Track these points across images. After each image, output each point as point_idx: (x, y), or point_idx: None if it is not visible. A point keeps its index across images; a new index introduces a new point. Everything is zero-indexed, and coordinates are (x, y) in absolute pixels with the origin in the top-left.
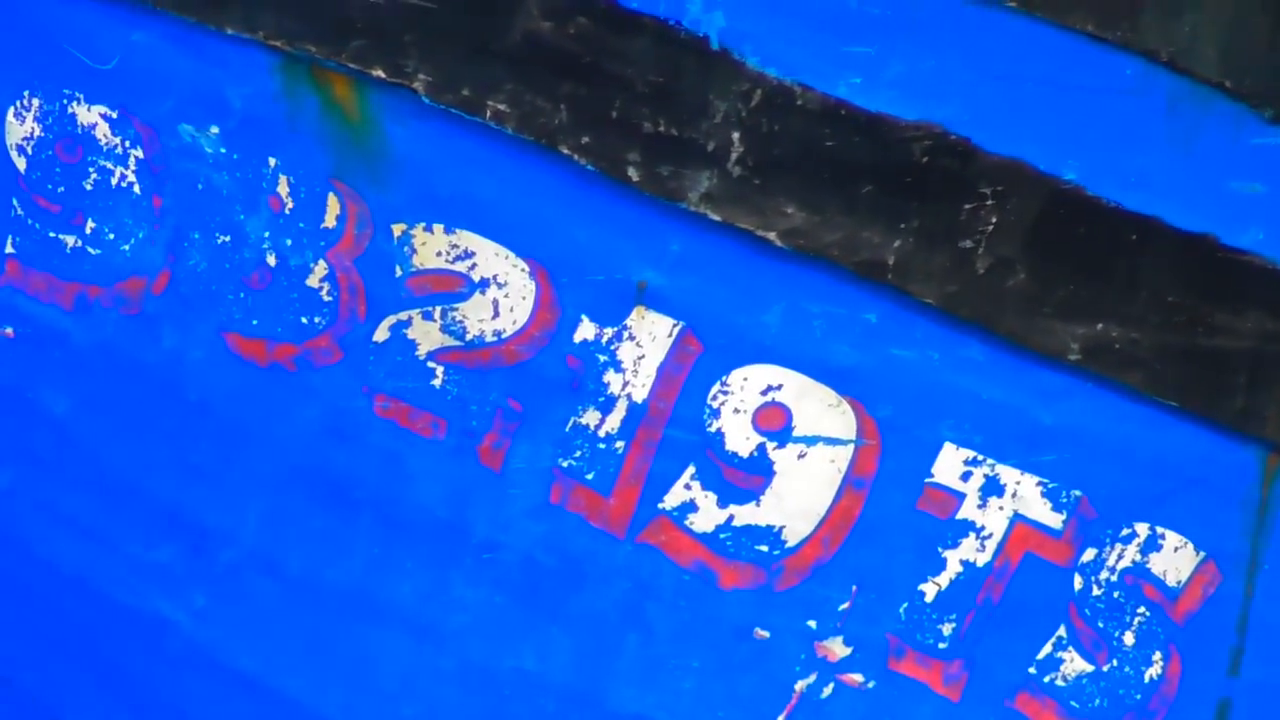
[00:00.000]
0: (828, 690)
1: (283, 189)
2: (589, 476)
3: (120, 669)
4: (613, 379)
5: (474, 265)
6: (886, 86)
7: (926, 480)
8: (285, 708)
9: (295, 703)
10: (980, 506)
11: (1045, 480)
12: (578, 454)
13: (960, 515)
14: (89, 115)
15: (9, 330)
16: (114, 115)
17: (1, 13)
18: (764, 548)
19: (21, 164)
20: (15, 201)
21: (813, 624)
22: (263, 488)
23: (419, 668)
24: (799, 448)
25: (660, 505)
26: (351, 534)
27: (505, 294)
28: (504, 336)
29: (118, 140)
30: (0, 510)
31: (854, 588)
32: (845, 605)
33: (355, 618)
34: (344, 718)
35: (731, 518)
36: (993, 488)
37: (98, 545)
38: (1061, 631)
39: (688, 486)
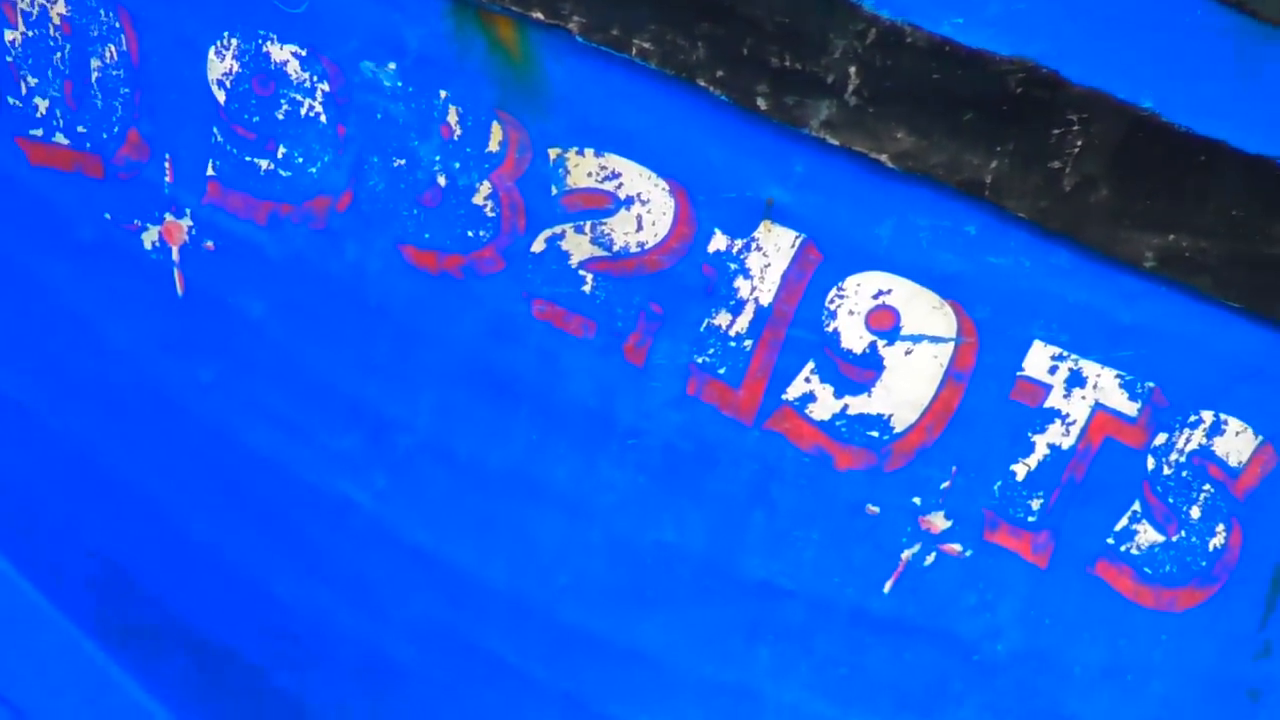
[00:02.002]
0: (930, 559)
1: (452, 118)
2: (721, 371)
3: (309, 542)
4: (742, 285)
5: (620, 184)
6: (985, 25)
7: (1018, 373)
8: (454, 577)
9: (463, 572)
10: (1065, 396)
11: (1122, 373)
12: (711, 351)
13: (1048, 404)
14: (281, 53)
15: (209, 243)
16: (303, 54)
17: None
18: (875, 433)
19: (221, 97)
20: (216, 130)
21: (917, 500)
22: (434, 382)
23: (571, 541)
24: (906, 345)
25: (783, 396)
26: (512, 423)
27: (648, 210)
28: (646, 247)
29: (306, 75)
30: (205, 401)
31: (954, 468)
32: (946, 484)
33: (516, 497)
34: (506, 586)
35: (846, 407)
36: (1076, 380)
37: (290, 433)
38: (1136, 506)
39: (808, 380)
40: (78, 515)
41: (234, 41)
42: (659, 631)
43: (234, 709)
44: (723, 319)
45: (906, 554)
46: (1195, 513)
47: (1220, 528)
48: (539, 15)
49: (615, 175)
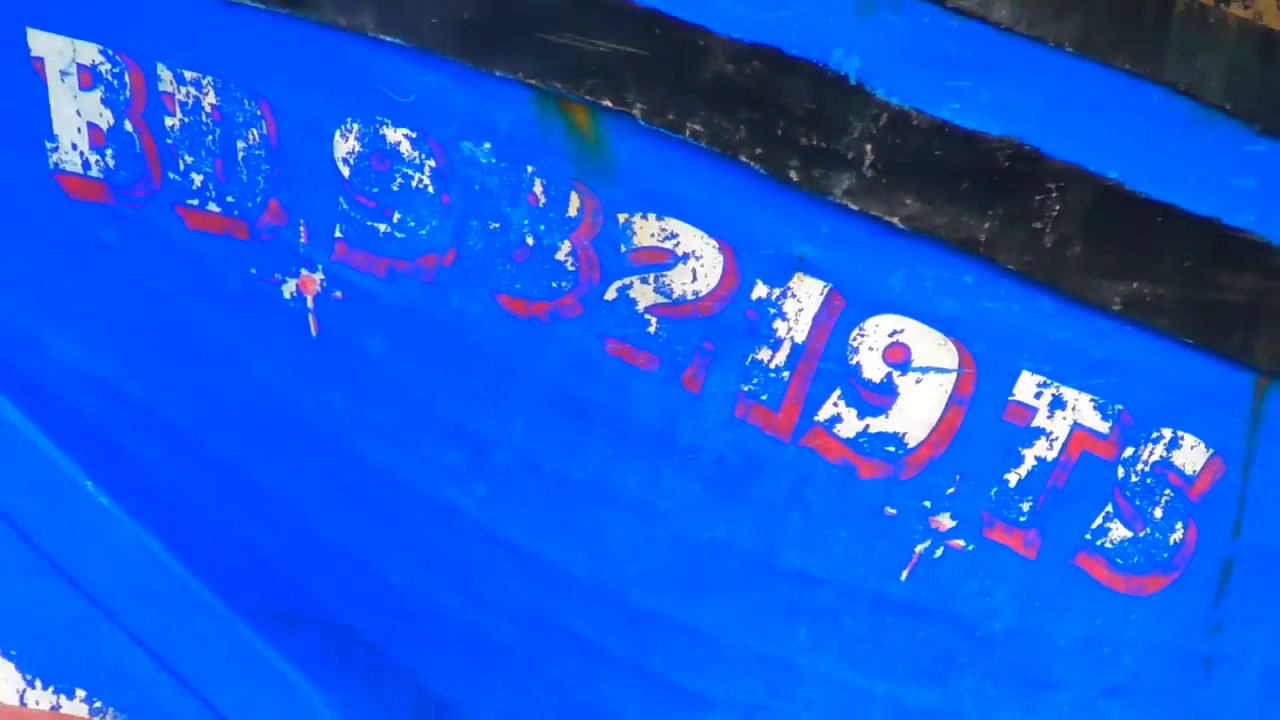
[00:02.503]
0: (939, 552)
1: (537, 189)
2: (763, 397)
3: (422, 539)
4: (779, 326)
5: (678, 243)
6: (978, 110)
7: (1009, 398)
8: (542, 567)
9: (550, 564)
10: (1049, 417)
11: (1096, 397)
12: (755, 381)
13: (1034, 424)
14: (395, 135)
15: (338, 293)
16: (413, 135)
17: (331, 62)
18: (891, 448)
19: (346, 171)
20: (342, 199)
21: (927, 504)
22: (524, 408)
23: (640, 537)
24: (916, 375)
25: (815, 418)
26: (589, 440)
27: (700, 264)
28: (700, 295)
29: (416, 154)
30: (336, 423)
31: (957, 477)
32: (951, 490)
33: (593, 501)
34: (586, 575)
35: (867, 426)
36: (1058, 403)
37: (405, 449)
38: (1109, 508)
39: (835, 404)
40: (234, 519)
41: (355, 126)
42: (713, 613)
43: (358, 678)
44: (764, 354)
45: (919, 548)
46: (1158, 513)
47: (1179, 525)
48: (608, 103)
49: (673, 236)
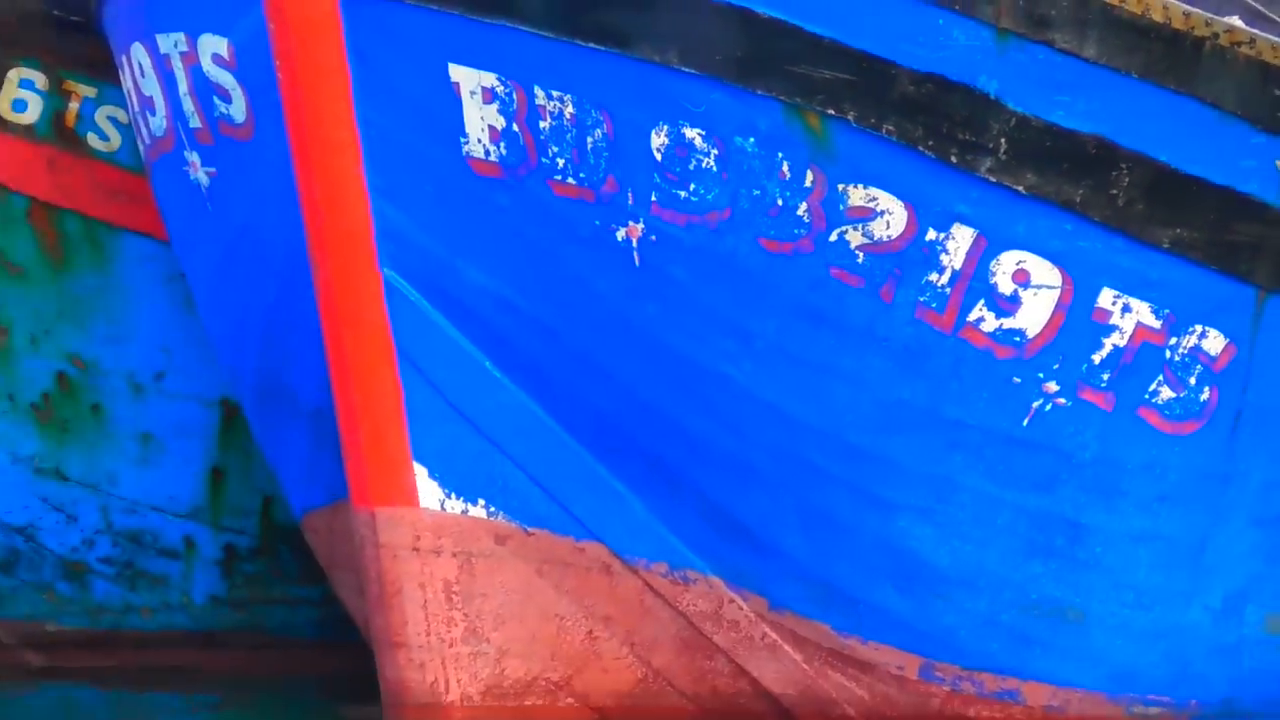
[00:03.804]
0: (1049, 406)
1: (785, 168)
2: (933, 305)
3: (708, 400)
4: (944, 258)
5: (877, 203)
6: (1074, 116)
7: (1094, 305)
8: (788, 418)
9: (793, 416)
10: (1120, 317)
11: (1152, 304)
12: (927, 294)
13: (1110, 322)
14: (691, 133)
15: (653, 237)
16: (703, 133)
17: (648, 84)
18: (1017, 338)
19: (659, 157)
20: (655, 175)
21: (1040, 375)
22: (776, 312)
23: (852, 398)
24: (1034, 290)
25: (967, 318)
26: (819, 334)
27: (891, 217)
28: (891, 238)
29: (705, 145)
30: (650, 322)
31: (1061, 357)
32: (1056, 365)
33: (821, 374)
34: (817, 422)
35: (1001, 324)
36: (1126, 309)
37: (695, 339)
38: (1160, 377)
39: (980, 309)
40: (583, 387)
41: (665, 126)
42: (899, 447)
43: (666, 492)
44: (933, 276)
45: (1035, 404)
46: (1192, 380)
47: (1206, 388)
48: (831, 111)
49: (874, 199)
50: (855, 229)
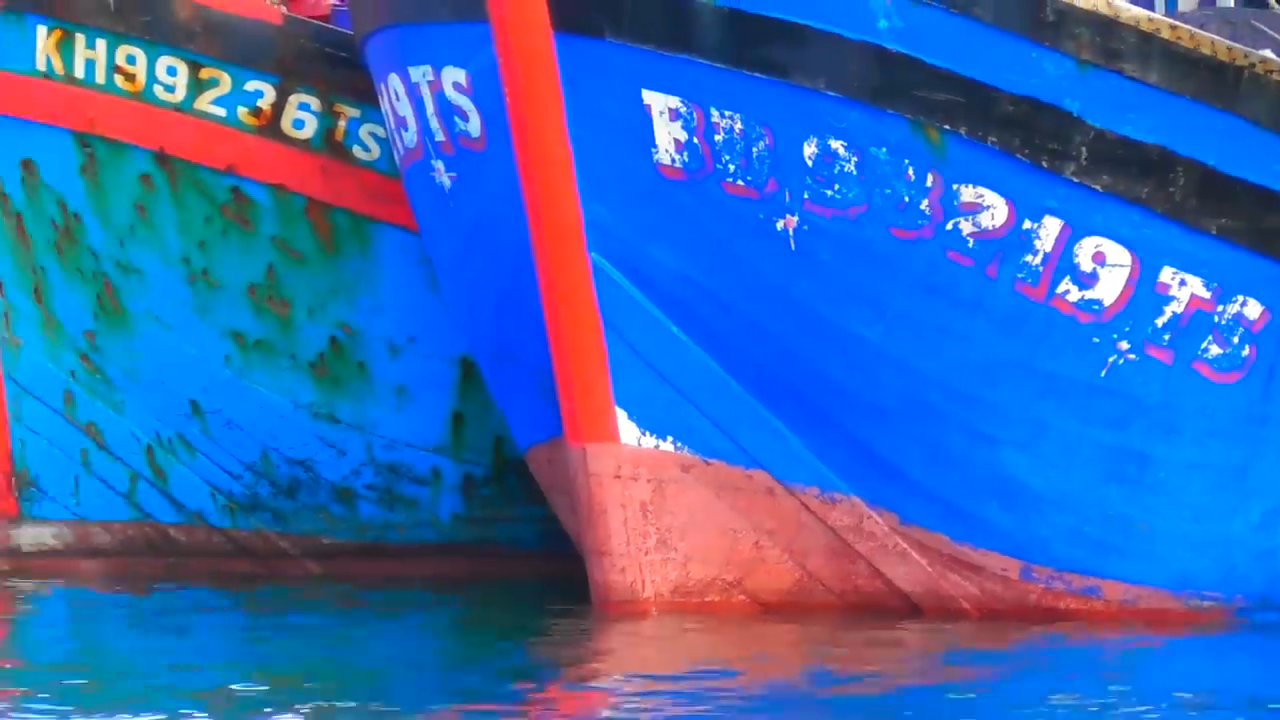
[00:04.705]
0: (1122, 361)
1: (910, 172)
2: (1028, 280)
3: (847, 355)
4: (1037, 243)
5: (983, 199)
6: (1142, 130)
7: (1156, 279)
8: (914, 371)
9: (917, 368)
10: (1178, 289)
11: (1203, 279)
12: (1023, 271)
13: (1170, 293)
14: (835, 144)
15: (805, 227)
16: (845, 144)
17: (797, 105)
18: (1095, 307)
19: (810, 163)
20: (807, 178)
21: (1115, 336)
22: (903, 285)
23: (962, 355)
24: (1110, 268)
25: (1056, 290)
26: (935, 302)
27: (995, 210)
28: (996, 227)
29: (847, 154)
30: (802, 290)
31: (1131, 321)
32: (1127, 328)
33: (937, 336)
34: (936, 374)
35: (1083, 295)
36: (1182, 283)
37: (836, 304)
38: (1210, 337)
39: (1066, 283)
40: (747, 347)
41: (814, 139)
42: (1001, 392)
43: (817, 428)
44: (1029, 257)
45: (1110, 358)
46: (1235, 340)
47: (1247, 347)
48: (946, 126)
49: (981, 195)
50: (966, 220)
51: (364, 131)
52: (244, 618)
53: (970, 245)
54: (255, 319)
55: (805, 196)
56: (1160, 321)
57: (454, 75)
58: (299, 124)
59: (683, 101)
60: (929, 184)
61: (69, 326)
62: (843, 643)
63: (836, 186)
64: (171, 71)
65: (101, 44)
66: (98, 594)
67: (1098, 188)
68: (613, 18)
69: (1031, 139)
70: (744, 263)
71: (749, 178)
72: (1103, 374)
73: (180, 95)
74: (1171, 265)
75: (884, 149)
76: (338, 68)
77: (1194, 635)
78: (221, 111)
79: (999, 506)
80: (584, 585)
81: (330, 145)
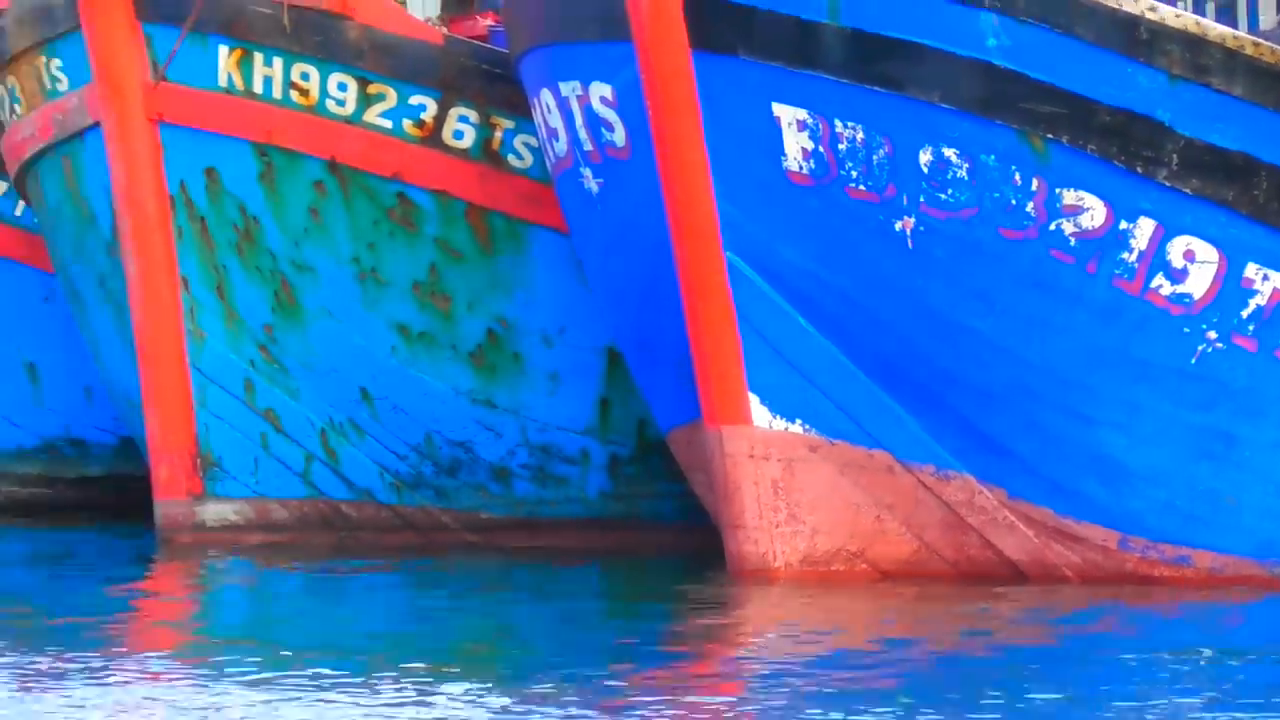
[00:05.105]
0: (1210, 349)
1: (1017, 177)
2: (1125, 275)
3: (957, 343)
4: (1132, 241)
5: (1083, 201)
6: (1227, 138)
7: (1242, 275)
8: (1013, 355)
9: (1017, 353)
10: (1261, 283)
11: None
12: (1120, 268)
13: (1254, 287)
14: (948, 152)
15: (921, 228)
16: (958, 151)
17: (913, 114)
18: (1186, 300)
19: (925, 170)
20: (922, 183)
21: (1204, 326)
22: (1010, 279)
23: (1062, 342)
24: (1199, 265)
25: (1150, 285)
26: (1042, 294)
27: (1094, 211)
28: (1095, 227)
29: (959, 161)
30: (919, 285)
31: (1220, 312)
32: (1215, 319)
33: (1040, 326)
34: (1037, 359)
35: (1175, 289)
36: (1266, 277)
37: (948, 298)
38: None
39: (1159, 278)
40: (867, 337)
41: (929, 147)
42: (1097, 375)
43: (930, 410)
44: (1125, 254)
45: (1200, 346)
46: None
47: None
48: (1049, 135)
49: (1081, 198)
50: (1068, 220)
51: (518, 141)
52: (423, 588)
53: (1071, 244)
54: (419, 313)
55: (921, 200)
56: (1245, 313)
57: (601, 90)
58: (459, 135)
59: (810, 113)
60: (1034, 188)
61: (249, 320)
62: (960, 606)
63: (950, 191)
64: (342, 87)
65: (278, 62)
66: (279, 569)
67: (1187, 191)
68: (745, 37)
69: (1127, 146)
70: (865, 260)
71: (870, 183)
72: (1192, 361)
73: (350, 108)
74: (1255, 261)
75: (993, 156)
76: (494, 83)
77: (1277, 598)
78: (388, 124)
79: (1098, 482)
80: (720, 556)
81: (487, 154)
